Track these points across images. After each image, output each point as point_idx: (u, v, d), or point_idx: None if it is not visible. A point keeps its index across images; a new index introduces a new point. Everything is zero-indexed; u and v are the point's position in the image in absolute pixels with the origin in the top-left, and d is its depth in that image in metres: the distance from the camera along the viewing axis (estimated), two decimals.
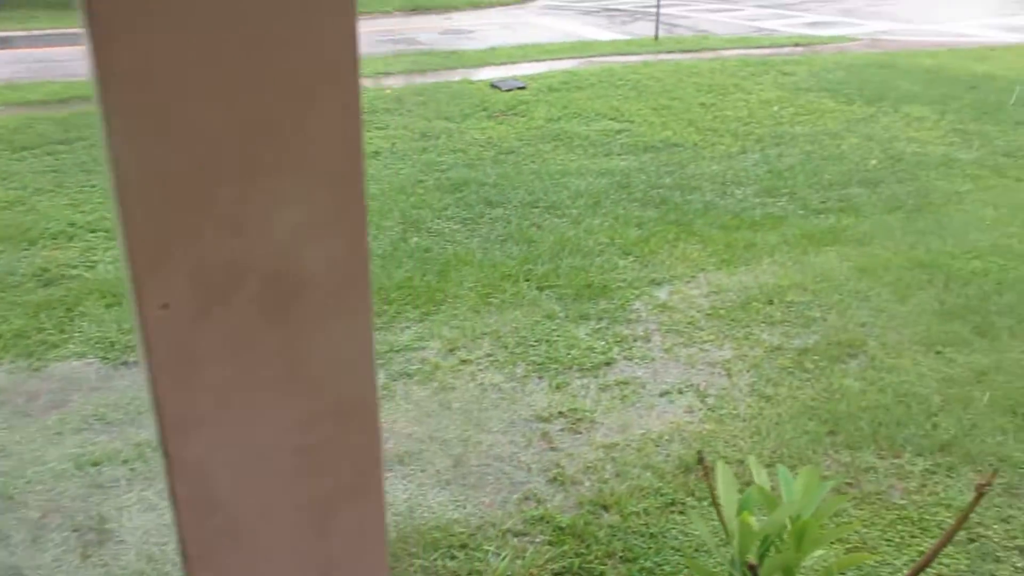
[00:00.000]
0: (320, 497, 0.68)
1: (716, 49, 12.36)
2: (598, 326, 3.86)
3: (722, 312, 3.96)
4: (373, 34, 14.65)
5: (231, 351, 0.61)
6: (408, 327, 3.85)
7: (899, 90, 8.82)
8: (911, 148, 6.69)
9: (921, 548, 2.50)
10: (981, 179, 5.91)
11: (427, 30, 15.41)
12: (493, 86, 9.11)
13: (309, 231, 0.61)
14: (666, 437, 3.06)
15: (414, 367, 3.52)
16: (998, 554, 2.48)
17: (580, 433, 3.10)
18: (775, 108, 8.10)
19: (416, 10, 19.07)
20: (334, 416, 0.66)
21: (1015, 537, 2.54)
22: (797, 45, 12.94)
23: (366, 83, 9.44)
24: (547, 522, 2.66)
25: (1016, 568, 2.43)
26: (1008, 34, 14.74)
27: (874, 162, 6.32)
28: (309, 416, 0.65)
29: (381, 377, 3.45)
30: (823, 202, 5.44)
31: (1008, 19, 17.57)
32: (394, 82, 9.47)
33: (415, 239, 4.84)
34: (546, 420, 3.18)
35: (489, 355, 3.62)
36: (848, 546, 2.54)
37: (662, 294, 4.17)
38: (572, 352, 3.63)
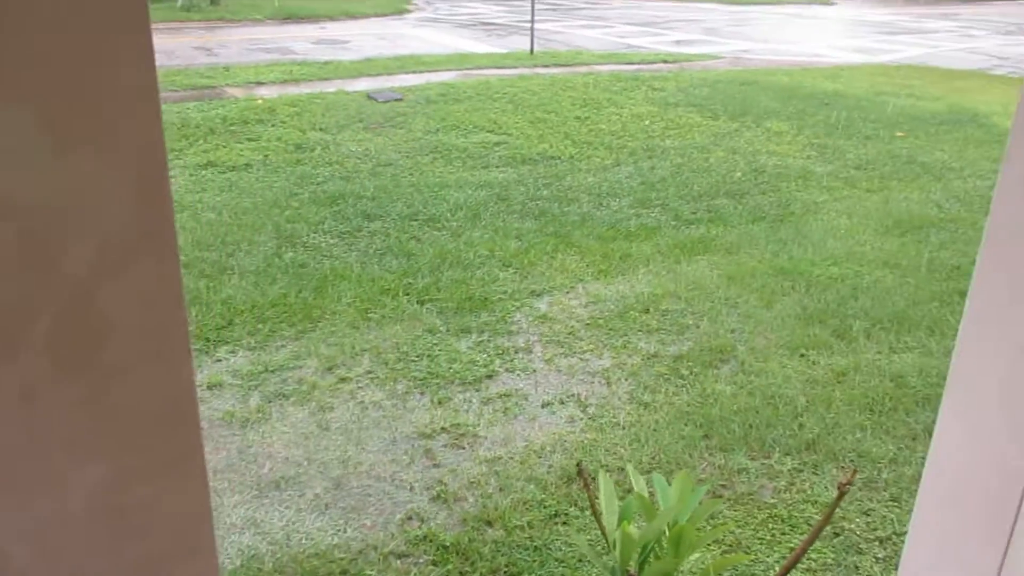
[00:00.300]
0: (144, 561, 0.61)
1: (589, 64, 12.68)
2: (479, 339, 3.84)
3: (601, 322, 4.03)
4: (243, 42, 14.19)
5: (17, 409, 0.53)
6: (284, 346, 3.71)
7: (760, 106, 9.30)
8: (772, 161, 7.06)
9: (791, 544, 2.60)
10: (836, 190, 6.30)
11: (300, 39, 15.07)
12: (370, 97, 8.99)
13: (108, 264, 0.54)
14: (549, 448, 3.07)
15: (290, 387, 3.39)
16: (861, 546, 2.61)
17: (463, 448, 3.07)
18: (646, 122, 8.37)
19: (289, 19, 18.62)
20: (153, 473, 0.60)
21: (875, 529, 2.69)
22: (665, 62, 13.45)
23: (235, 92, 9.12)
24: (431, 541, 2.61)
25: (877, 558, 2.57)
26: (854, 55, 15.86)
27: (739, 174, 6.63)
28: (122, 475, 0.58)
29: (256, 398, 3.31)
30: (693, 213, 5.65)
31: (853, 41, 18.92)
32: (266, 92, 9.19)
33: (290, 254, 4.68)
34: (429, 436, 3.13)
35: (369, 372, 3.54)
36: (724, 547, 2.62)
37: (542, 305, 4.20)
38: (454, 366, 3.60)
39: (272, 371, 3.50)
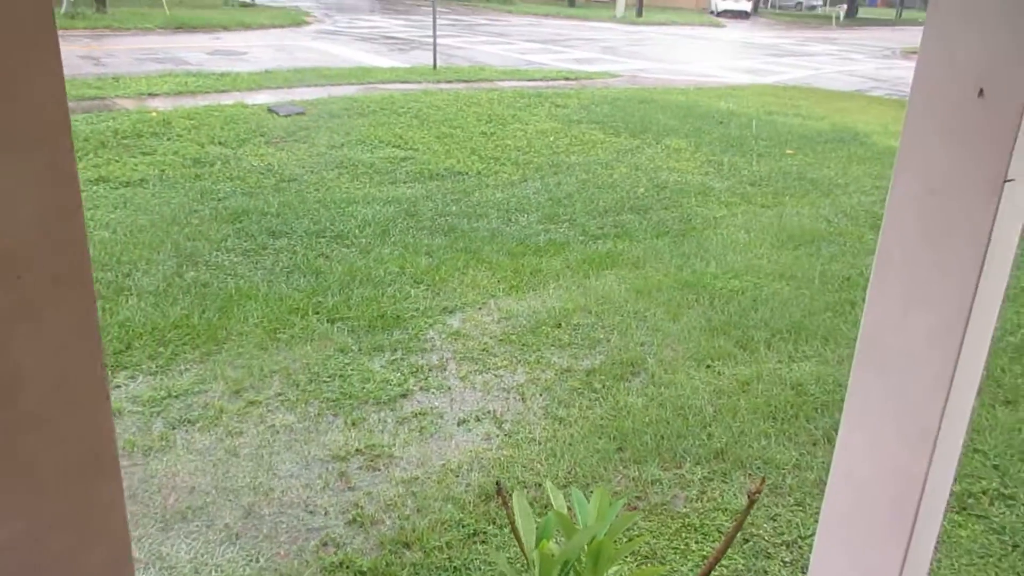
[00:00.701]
0: None
1: (493, 80, 12.78)
2: (393, 357, 3.80)
3: (514, 337, 4.05)
4: (133, 52, 13.64)
5: None
6: (187, 369, 3.57)
7: (659, 124, 9.59)
8: (673, 177, 7.28)
9: (704, 553, 2.67)
10: (733, 205, 6.55)
11: (194, 50, 14.61)
12: (270, 111, 8.79)
13: (20, 309, 0.50)
14: (466, 467, 3.06)
15: (195, 413, 3.26)
16: (769, 551, 2.71)
17: (379, 470, 3.02)
18: (551, 138, 8.50)
19: (181, 28, 18.02)
20: (73, 525, 0.56)
21: (782, 533, 2.79)
22: (567, 79, 13.71)
23: (126, 104, 8.74)
24: (347, 567, 2.55)
25: (784, 562, 2.67)
26: (741, 75, 16.57)
27: (642, 190, 6.80)
28: (39, 530, 0.54)
29: (158, 425, 3.17)
30: (600, 228, 5.76)
31: (743, 62, 19.77)
32: (160, 104, 8.85)
33: (192, 273, 4.51)
34: (343, 459, 3.06)
35: (279, 394, 3.44)
36: (640, 558, 2.66)
37: (455, 322, 4.19)
38: (367, 386, 3.54)
39: (175, 396, 3.35)
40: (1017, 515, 2.80)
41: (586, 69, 15.58)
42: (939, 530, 1.48)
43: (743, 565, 2.66)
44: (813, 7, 54.97)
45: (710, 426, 3.36)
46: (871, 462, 1.48)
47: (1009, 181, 1.23)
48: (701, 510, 2.90)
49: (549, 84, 12.84)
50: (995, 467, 3.09)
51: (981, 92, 1.19)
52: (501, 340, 4.02)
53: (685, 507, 2.91)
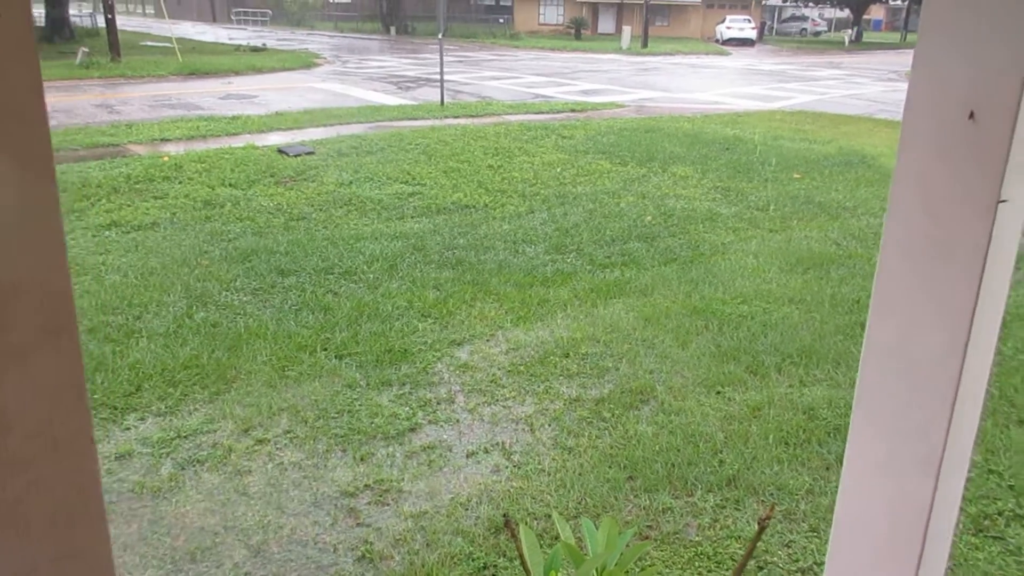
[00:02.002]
0: None
1: (499, 114, 12.91)
2: (401, 391, 3.80)
3: (522, 368, 4.05)
4: (146, 99, 13.90)
5: None
6: (196, 409, 3.58)
7: (665, 152, 9.63)
8: (680, 204, 7.30)
9: None
10: (741, 231, 6.55)
11: (206, 95, 14.87)
12: (280, 151, 8.91)
13: (1, 356, 0.52)
14: (475, 500, 3.04)
15: (204, 452, 3.27)
16: None
17: (387, 505, 3.01)
18: (558, 170, 8.55)
19: (193, 74, 18.36)
20: (57, 569, 0.57)
21: (797, 560, 2.75)
22: (573, 111, 13.82)
23: (139, 150, 8.89)
24: None
25: None
26: (748, 102, 16.66)
27: (649, 218, 6.82)
28: (23, 574, 0.55)
29: (167, 466, 3.17)
30: (607, 257, 5.77)
31: (749, 88, 19.88)
32: (172, 149, 8.99)
33: (201, 314, 4.55)
34: (352, 495, 3.05)
35: (287, 432, 3.44)
36: None
37: (463, 354, 4.19)
38: (375, 420, 3.54)
39: (185, 436, 3.36)
40: None
41: (592, 100, 15.71)
42: (949, 552, 1.46)
43: None
44: (818, 33, 55.37)
45: (721, 453, 3.33)
46: (877, 486, 1.47)
47: (1003, 202, 1.23)
48: (714, 538, 2.86)
49: (555, 116, 12.96)
50: (1010, 488, 3.04)
51: (972, 115, 1.21)
52: (509, 371, 4.02)
53: (698, 535, 2.87)
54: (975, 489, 3.04)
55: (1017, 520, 2.87)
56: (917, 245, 1.32)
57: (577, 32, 42.97)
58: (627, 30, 37.86)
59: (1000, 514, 2.91)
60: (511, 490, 3.09)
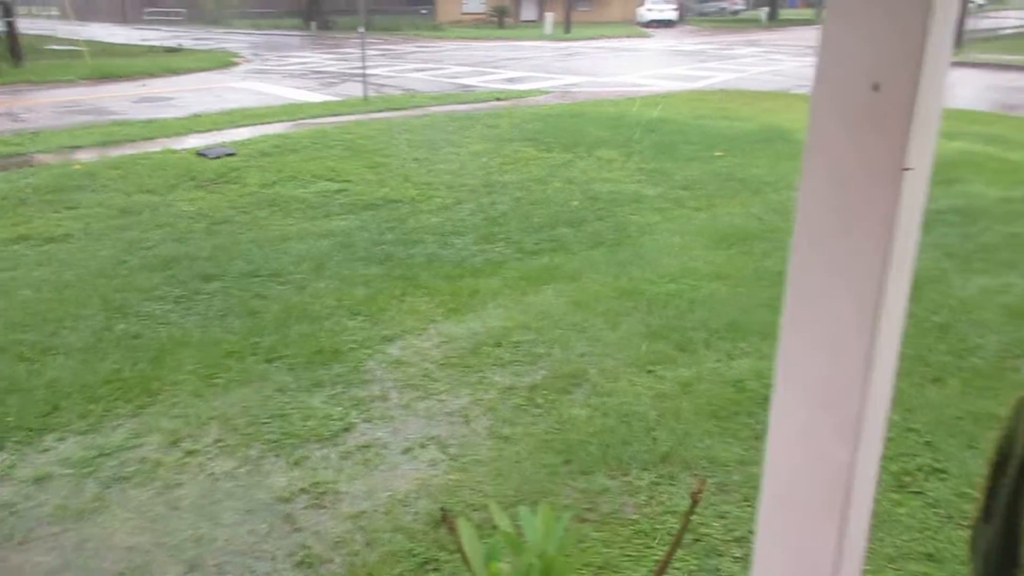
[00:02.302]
0: None
1: (424, 106, 12.82)
2: (333, 392, 3.75)
3: (455, 360, 4.03)
4: (54, 106, 13.36)
5: None
6: (120, 424, 3.47)
7: (590, 136, 9.71)
8: (606, 188, 7.37)
9: (656, 557, 2.68)
10: (666, 211, 6.64)
11: (119, 99, 14.36)
12: (200, 154, 8.67)
13: None
14: (413, 495, 3.02)
15: (131, 468, 3.17)
16: (719, 548, 2.72)
17: (325, 508, 2.97)
18: (484, 159, 8.54)
19: (105, 78, 17.70)
20: None
21: (732, 530, 2.81)
22: (498, 99, 13.81)
23: (47, 159, 8.54)
24: None
25: (735, 558, 2.68)
26: (670, 82, 16.90)
27: (576, 203, 6.86)
28: None
29: (91, 486, 3.06)
30: (536, 244, 5.79)
31: (671, 70, 20.16)
32: (84, 156, 8.67)
33: (121, 326, 4.40)
34: (287, 500, 3.00)
35: (218, 441, 3.36)
36: (594, 569, 2.65)
37: (395, 350, 4.16)
38: (309, 423, 3.48)
39: (108, 454, 3.25)
40: (950, 488, 2.87)
41: (517, 88, 15.73)
42: (870, 510, 1.51)
43: (696, 565, 2.67)
44: (736, 12, 56.43)
45: (655, 430, 3.38)
46: (800, 454, 1.51)
47: (907, 170, 1.28)
48: (651, 515, 2.90)
49: (480, 106, 12.92)
50: (927, 444, 3.17)
51: (876, 86, 1.25)
52: (442, 364, 4.00)
53: (635, 514, 2.92)
54: (895, 448, 3.16)
55: (935, 474, 2.99)
56: (827, 216, 1.36)
57: (500, 20, 42.91)
58: (550, 16, 37.96)
59: (919, 469, 3.03)
60: (449, 483, 3.08)
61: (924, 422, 3.32)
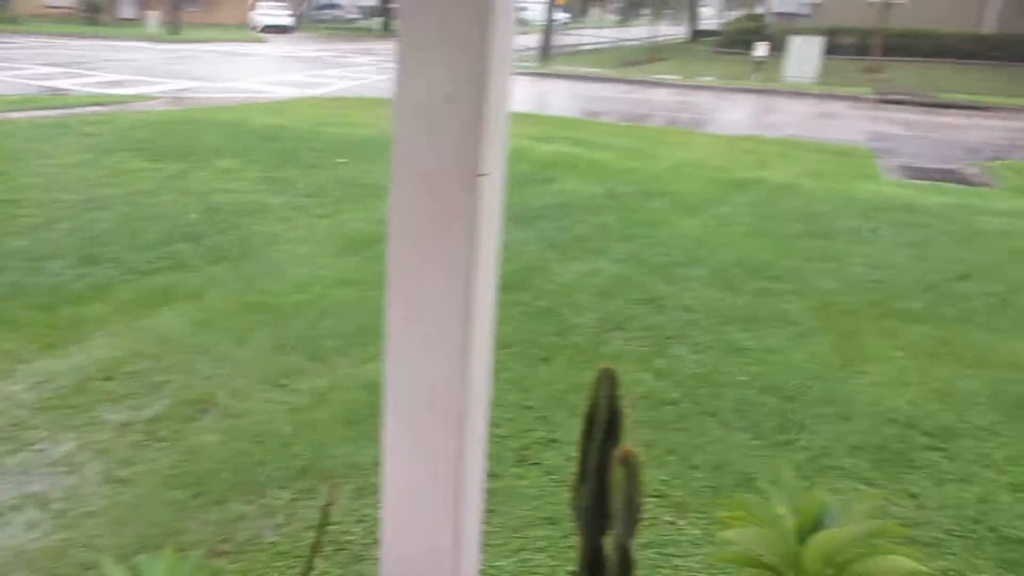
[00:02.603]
0: None
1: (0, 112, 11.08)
2: None
3: (55, 402, 3.53)
4: None
5: None
6: None
7: (206, 144, 9.18)
8: (227, 198, 7.01)
9: None
10: (291, 220, 6.52)
11: None
12: None
13: None
14: (5, 571, 2.58)
15: None
16: (362, 554, 2.73)
17: None
18: (82, 171, 7.63)
19: None
20: None
21: (373, 532, 2.84)
22: (98, 105, 12.47)
23: None
24: None
25: (378, 560, 2.71)
26: (289, 89, 16.69)
27: (194, 216, 6.43)
28: None
29: None
30: (150, 263, 5.31)
31: (289, 76, 19.90)
32: None
33: None
34: None
35: None
36: None
37: None
38: None
39: None
40: (562, 455, 3.21)
41: (119, 92, 14.31)
42: (483, 491, 1.61)
43: (340, 574, 2.65)
44: (351, 20, 57.37)
45: (291, 446, 3.29)
46: (413, 450, 1.57)
47: (483, 175, 1.36)
48: (291, 534, 2.81)
49: (74, 111, 11.52)
50: (542, 418, 3.51)
51: (449, 98, 1.31)
52: (40, 409, 3.48)
53: (275, 536, 2.81)
54: (515, 426, 3.45)
55: (549, 445, 3.32)
56: (417, 222, 1.41)
57: (92, 17, 38.64)
58: (153, 15, 35.11)
59: (536, 443, 3.34)
60: (53, 545, 2.68)
61: (537, 399, 3.67)
